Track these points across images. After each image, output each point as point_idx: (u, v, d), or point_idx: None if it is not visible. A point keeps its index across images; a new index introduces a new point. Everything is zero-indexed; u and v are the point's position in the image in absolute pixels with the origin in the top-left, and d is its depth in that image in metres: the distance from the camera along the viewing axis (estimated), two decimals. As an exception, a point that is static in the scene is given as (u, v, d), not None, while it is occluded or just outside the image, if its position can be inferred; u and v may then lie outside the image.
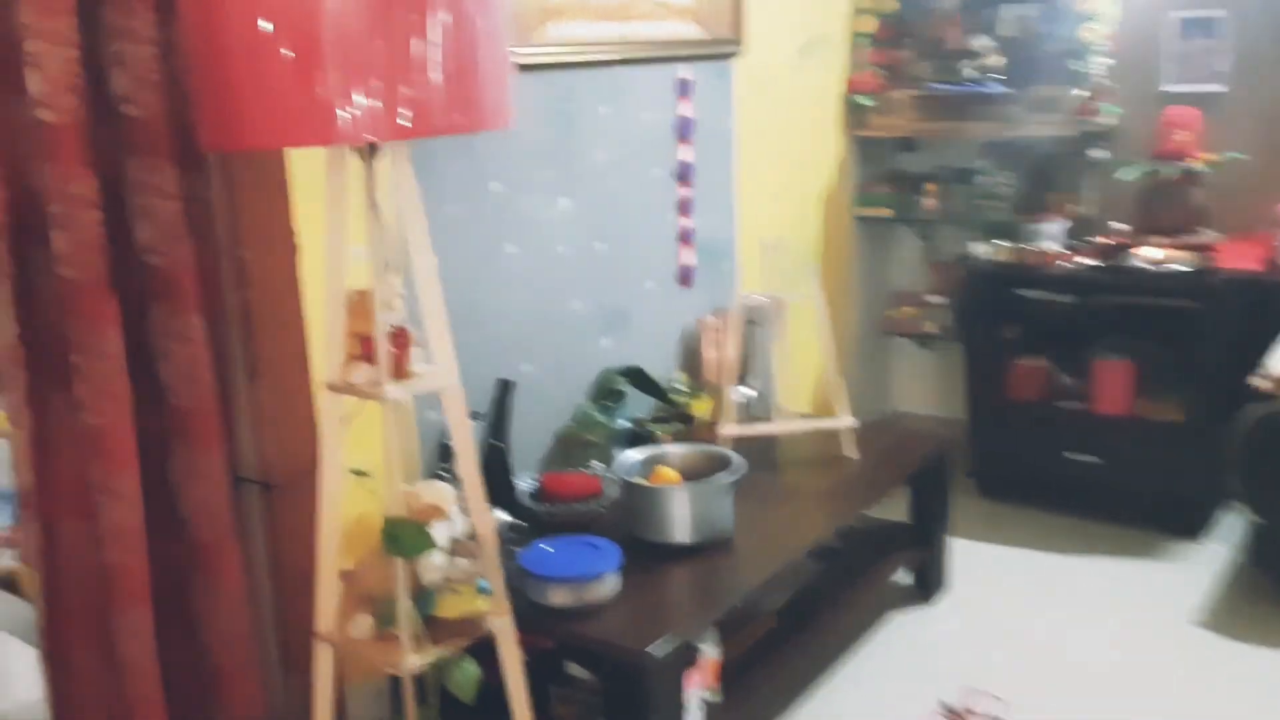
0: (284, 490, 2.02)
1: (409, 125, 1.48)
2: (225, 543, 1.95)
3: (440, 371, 1.77)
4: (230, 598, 1.96)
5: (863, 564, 2.77)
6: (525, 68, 2.47)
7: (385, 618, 1.74)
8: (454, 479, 1.90)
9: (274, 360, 1.99)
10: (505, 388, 2.38)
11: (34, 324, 1.81)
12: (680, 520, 2.23)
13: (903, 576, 2.94)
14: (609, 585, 2.04)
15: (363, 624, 1.78)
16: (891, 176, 3.90)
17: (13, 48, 1.70)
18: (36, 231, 1.78)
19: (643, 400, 2.86)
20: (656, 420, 2.84)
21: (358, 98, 1.44)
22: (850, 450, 2.79)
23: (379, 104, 1.45)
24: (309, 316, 2.02)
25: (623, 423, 2.75)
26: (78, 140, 1.74)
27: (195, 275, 1.90)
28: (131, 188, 1.83)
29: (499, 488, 2.31)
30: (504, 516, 2.07)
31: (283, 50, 1.43)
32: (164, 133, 1.81)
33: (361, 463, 1.82)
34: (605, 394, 2.75)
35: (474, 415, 2.30)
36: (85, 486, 1.86)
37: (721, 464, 2.36)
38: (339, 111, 1.45)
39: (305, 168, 1.99)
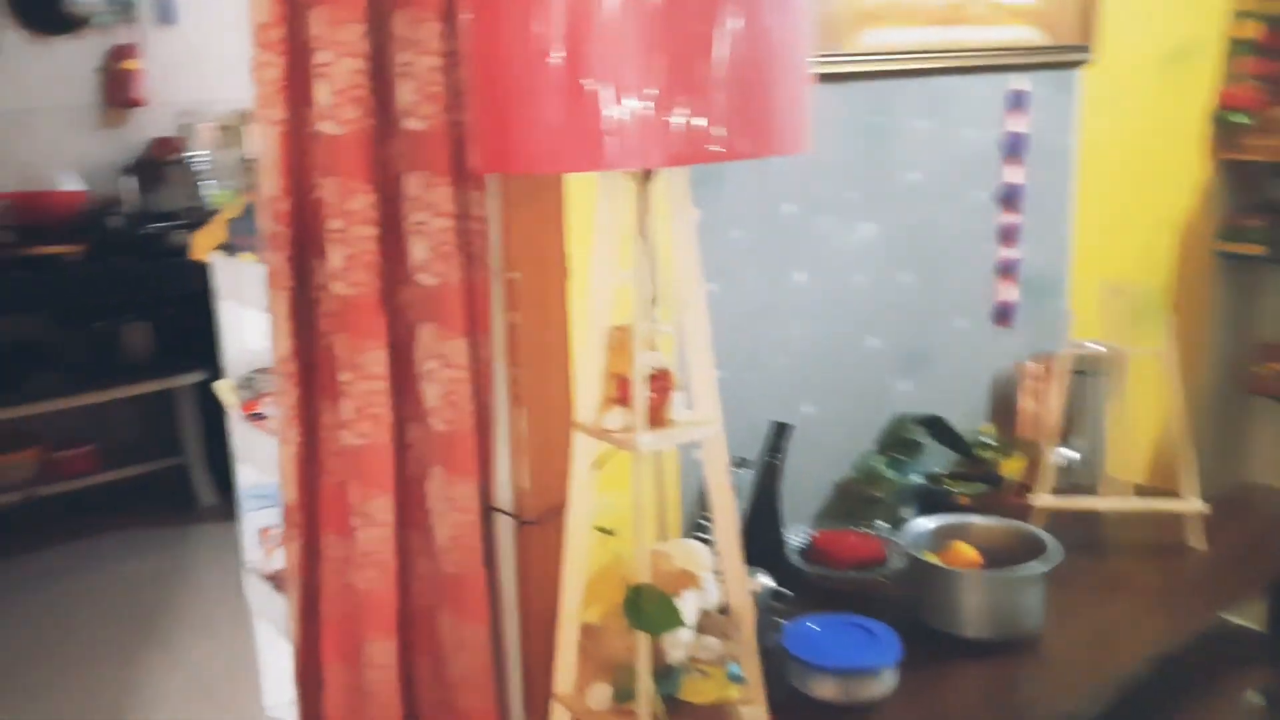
0: (537, 526, 1.90)
1: (688, 151, 1.29)
2: (474, 576, 1.86)
3: (703, 419, 1.57)
4: (475, 636, 1.86)
5: (1202, 679, 2.29)
6: (832, 77, 2.22)
7: (624, 691, 1.57)
8: (713, 539, 1.70)
9: (536, 389, 1.88)
10: (781, 431, 2.14)
11: (308, 339, 1.80)
12: (977, 612, 1.90)
13: (1252, 697, 2.42)
14: (885, 682, 1.76)
15: (601, 694, 1.61)
16: (1266, 207, 3.30)
17: (304, 59, 1.67)
18: (316, 245, 1.76)
19: (941, 454, 2.53)
20: (956, 478, 2.50)
21: (632, 120, 1.27)
22: (1197, 539, 2.32)
23: (656, 127, 1.27)
24: (574, 347, 1.89)
25: (915, 478, 2.44)
26: (359, 154, 1.69)
27: (464, 297, 1.82)
28: (408, 204, 1.77)
29: (765, 542, 2.09)
30: (767, 582, 1.85)
31: (555, 68, 1.28)
32: (443, 148, 1.74)
33: (615, 509, 1.66)
34: (897, 444, 2.44)
35: (742, 462, 2.09)
36: (346, 506, 1.83)
37: (1032, 546, 2.00)
38: (610, 137, 1.28)
39: (580, 188, 1.86)
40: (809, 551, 2.14)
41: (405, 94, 1.71)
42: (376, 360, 1.76)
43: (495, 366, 1.88)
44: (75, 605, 3.27)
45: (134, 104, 3.99)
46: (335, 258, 1.72)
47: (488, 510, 1.90)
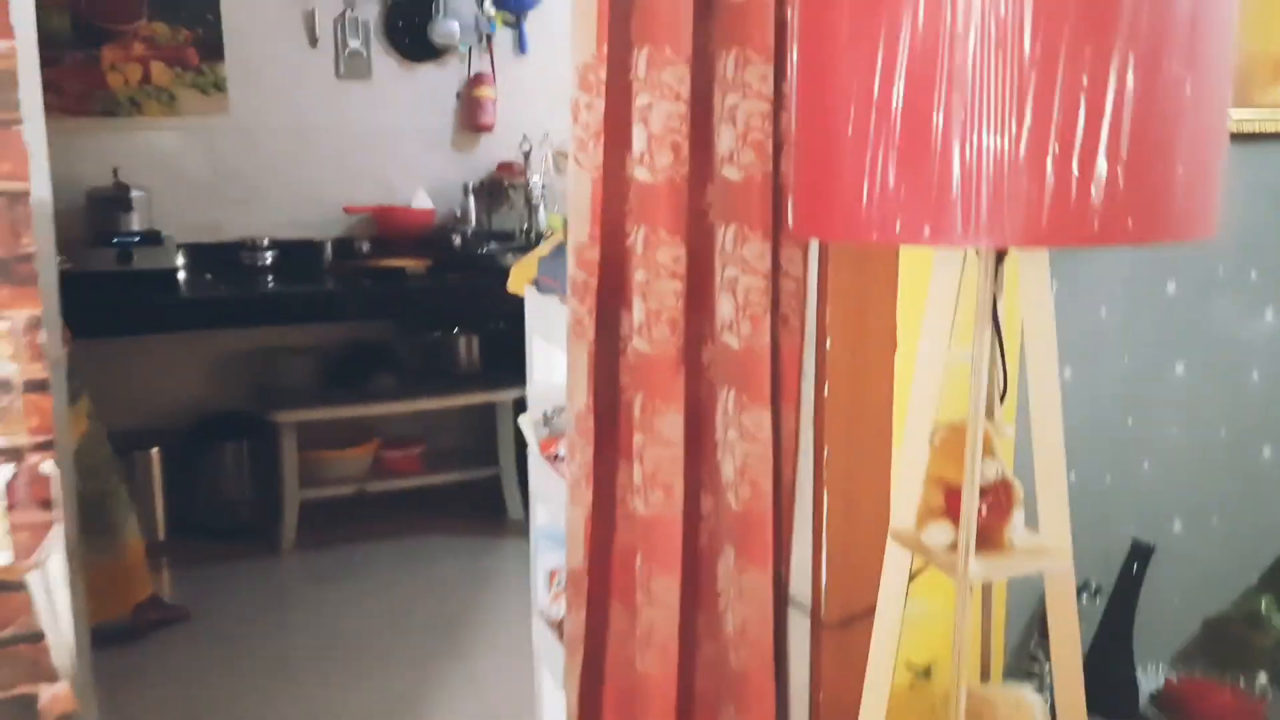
0: (836, 629, 1.68)
1: (1058, 231, 1.03)
2: (761, 676, 1.67)
3: (1049, 548, 1.29)
4: (756, 741, 1.68)
5: None
6: (1238, 136, 1.83)
7: None
8: (1046, 682, 1.41)
9: (846, 475, 1.66)
10: (1141, 553, 1.78)
11: (609, 394, 1.69)
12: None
13: None
14: None
15: None
16: None
17: (624, 102, 1.56)
18: (623, 297, 1.65)
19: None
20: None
21: (989, 188, 1.03)
22: None
23: (1018, 199, 1.02)
24: (895, 435, 1.65)
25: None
26: (670, 202, 1.56)
27: (772, 363, 1.64)
28: (719, 258, 1.62)
29: (1112, 684, 1.74)
30: (1113, 737, 1.53)
31: (895, 120, 1.06)
32: (762, 199, 1.57)
33: (928, 628, 1.41)
34: (1292, 575, 1.99)
35: (1088, 587, 1.75)
36: (634, 576, 1.70)
37: None
38: (959, 207, 1.04)
39: (914, 254, 1.62)
40: (1165, 700, 1.76)
41: (725, 140, 1.56)
42: (672, 425, 1.62)
43: (801, 443, 1.69)
44: (385, 601, 3.43)
45: (484, 129, 4.17)
46: (638, 311, 1.60)
47: (782, 600, 1.70)
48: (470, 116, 4.18)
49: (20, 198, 1.17)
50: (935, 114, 1.04)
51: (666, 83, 1.52)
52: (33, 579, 1.18)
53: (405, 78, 4.13)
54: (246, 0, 3.85)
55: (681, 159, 1.55)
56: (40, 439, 1.17)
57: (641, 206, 1.56)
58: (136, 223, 3.64)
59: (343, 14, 3.95)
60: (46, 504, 1.19)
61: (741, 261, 1.59)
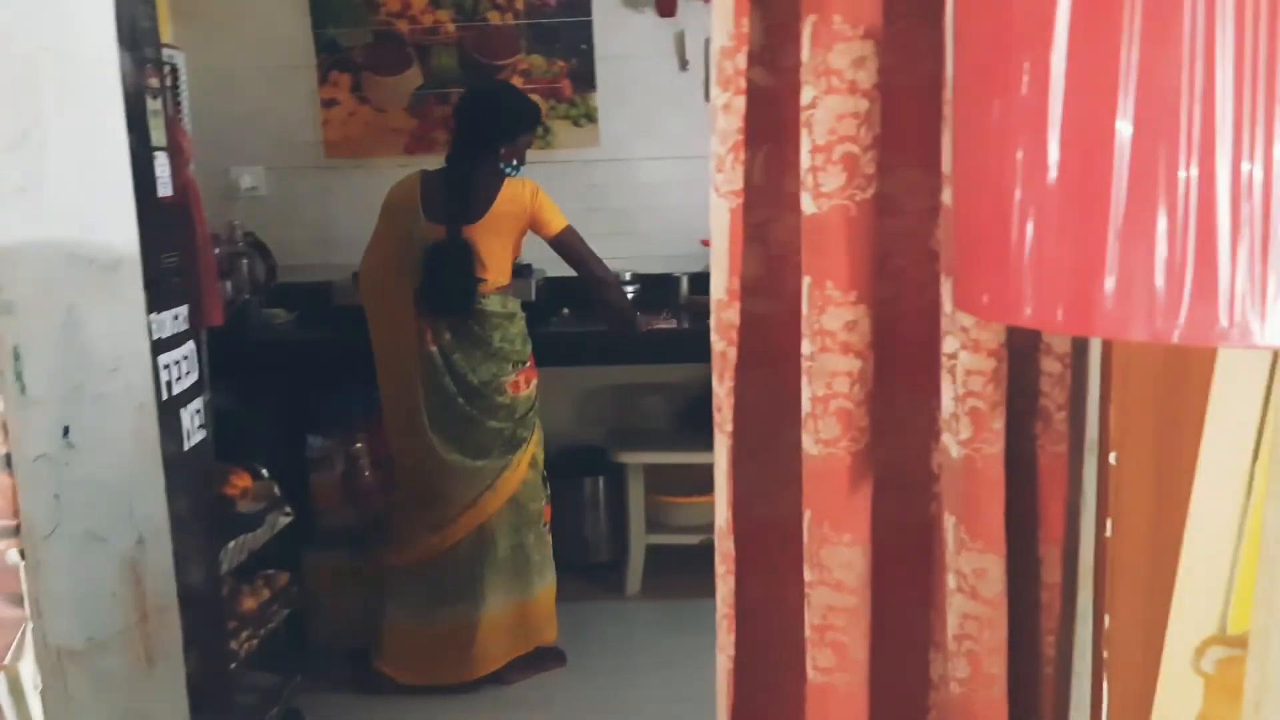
0: None
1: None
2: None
3: None
4: None
5: None
6: None
7: None
8: None
9: (1143, 663, 1.05)
10: None
11: (759, 507, 1.22)
12: None
13: None
14: None
15: None
16: None
17: (778, 99, 1.11)
18: (784, 371, 1.18)
19: None
20: None
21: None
22: None
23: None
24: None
25: None
26: (843, 243, 1.08)
27: (1020, 483, 1.08)
28: (928, 325, 1.09)
29: None
30: None
31: (1117, 147, 0.54)
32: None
33: None
34: None
35: None
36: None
37: None
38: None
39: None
40: None
41: (947, 146, 1.04)
42: (847, 561, 1.12)
43: (1067, 607, 1.10)
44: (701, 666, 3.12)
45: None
46: (804, 397, 1.13)
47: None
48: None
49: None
50: (1170, 153, 0.51)
51: (836, 68, 1.04)
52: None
53: (778, 98, 3.81)
54: (620, 26, 3.75)
55: (859, 180, 1.05)
56: (3, 522, 1.02)
57: (807, 248, 1.09)
58: (503, 256, 3.68)
59: (715, 34, 3.72)
60: (15, 599, 1.03)
61: (966, 333, 1.06)
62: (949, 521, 1.10)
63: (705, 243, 3.78)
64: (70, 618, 1.09)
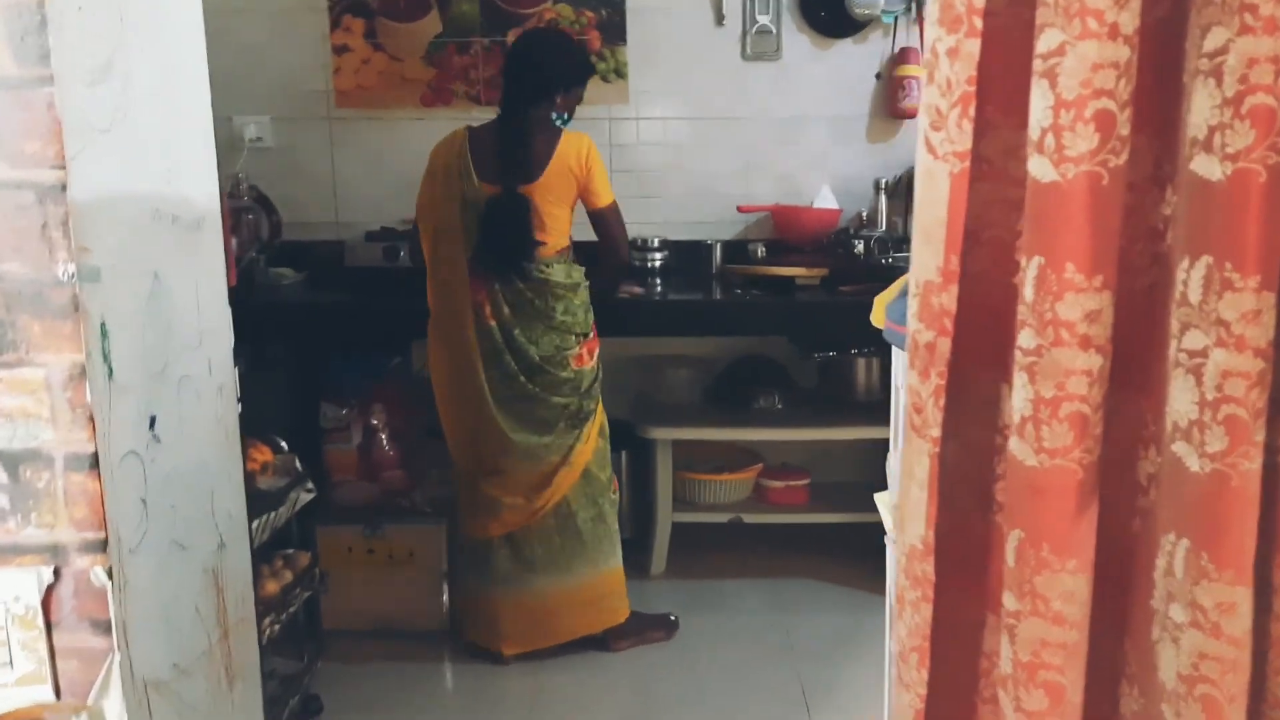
0: None
1: None
2: None
3: None
4: None
5: None
6: None
7: None
8: None
9: None
10: None
11: (960, 524, 1.07)
12: None
13: None
14: None
15: None
16: None
17: (1016, 46, 0.94)
18: (996, 368, 1.02)
19: None
20: None
21: None
22: None
23: None
24: None
25: None
26: (1088, 217, 0.91)
27: (1271, 506, 0.93)
28: (1176, 315, 0.93)
29: None
30: None
31: None
32: (1265, 217, 0.86)
33: None
34: None
35: None
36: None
37: None
38: None
39: None
40: None
41: (1200, 108, 0.88)
42: (1068, 592, 0.97)
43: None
44: (748, 649, 2.98)
45: (906, 115, 3.53)
46: (1021, 398, 0.96)
47: None
48: (891, 100, 3.57)
49: (52, 193, 0.83)
50: None
51: (1095, 8, 0.87)
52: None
53: (818, 57, 3.61)
54: (654, -27, 3.55)
55: (1114, 143, 0.89)
56: (89, 535, 0.83)
57: (1038, 223, 0.93)
58: (524, 219, 3.49)
59: (754, -14, 3.53)
60: (101, 626, 0.85)
61: (1217, 323, 0.90)
62: (1178, 545, 0.95)
63: (743, 209, 3.63)
64: (157, 643, 0.91)
